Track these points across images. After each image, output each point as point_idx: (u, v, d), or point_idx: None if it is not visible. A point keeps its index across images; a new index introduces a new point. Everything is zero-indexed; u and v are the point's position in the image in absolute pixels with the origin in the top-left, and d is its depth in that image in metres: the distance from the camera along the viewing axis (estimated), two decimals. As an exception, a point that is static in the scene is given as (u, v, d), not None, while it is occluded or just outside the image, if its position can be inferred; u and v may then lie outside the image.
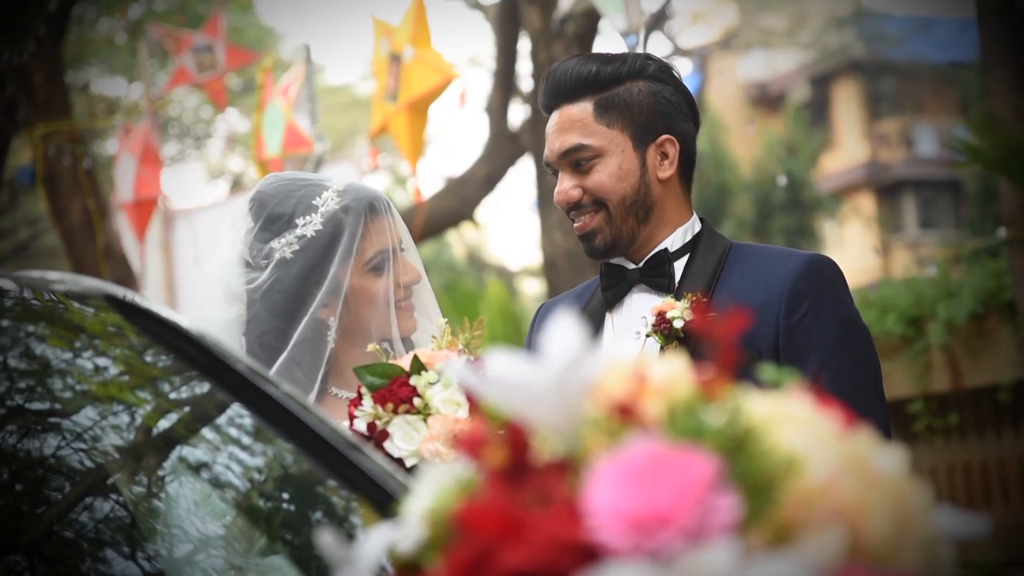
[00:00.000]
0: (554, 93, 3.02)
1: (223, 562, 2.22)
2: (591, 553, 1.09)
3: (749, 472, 1.10)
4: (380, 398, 2.65)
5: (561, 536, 1.09)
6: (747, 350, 2.77)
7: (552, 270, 9.02)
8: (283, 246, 3.07)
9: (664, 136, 2.99)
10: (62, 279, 2.31)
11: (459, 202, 10.71)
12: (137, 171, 11.70)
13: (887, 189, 33.07)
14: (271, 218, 3.11)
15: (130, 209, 11.72)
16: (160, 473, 2.19)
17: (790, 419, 1.17)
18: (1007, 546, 6.80)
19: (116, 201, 11.90)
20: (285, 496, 2.24)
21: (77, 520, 2.08)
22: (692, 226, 3.01)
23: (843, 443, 1.17)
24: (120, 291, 2.33)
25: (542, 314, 3.20)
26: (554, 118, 3.01)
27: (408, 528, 1.28)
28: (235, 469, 2.23)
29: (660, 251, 2.96)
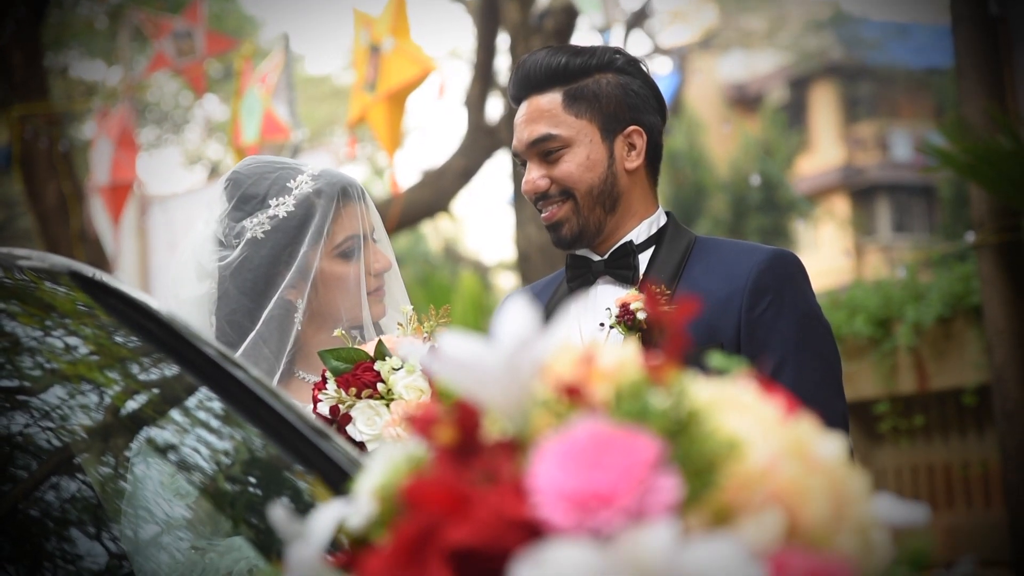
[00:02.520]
0: (523, 84, 3.05)
1: (184, 542, 2.23)
2: (534, 530, 1.11)
3: (691, 454, 1.12)
4: (344, 382, 2.67)
5: (504, 513, 1.11)
6: (709, 343, 2.80)
7: (526, 264, 9.04)
8: (255, 226, 3.10)
9: (632, 127, 3.01)
10: (28, 256, 2.32)
11: (435, 194, 10.72)
12: (113, 155, 11.67)
13: (862, 192, 33.20)
14: (244, 198, 3.13)
15: (105, 193, 11.70)
16: (123, 453, 2.20)
17: (733, 404, 1.20)
18: (970, 546, 6.86)
19: (92, 185, 11.87)
20: (248, 479, 2.26)
21: (41, 499, 2.09)
22: (658, 219, 3.04)
23: (784, 429, 1.19)
24: (87, 269, 2.34)
25: (507, 305, 3.21)
26: (523, 108, 3.04)
27: (359, 504, 1.30)
28: (199, 451, 2.25)
29: (625, 243, 2.99)
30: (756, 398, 1.21)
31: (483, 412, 1.23)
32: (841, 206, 31.53)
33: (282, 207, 3.09)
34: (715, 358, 1.38)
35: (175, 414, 2.30)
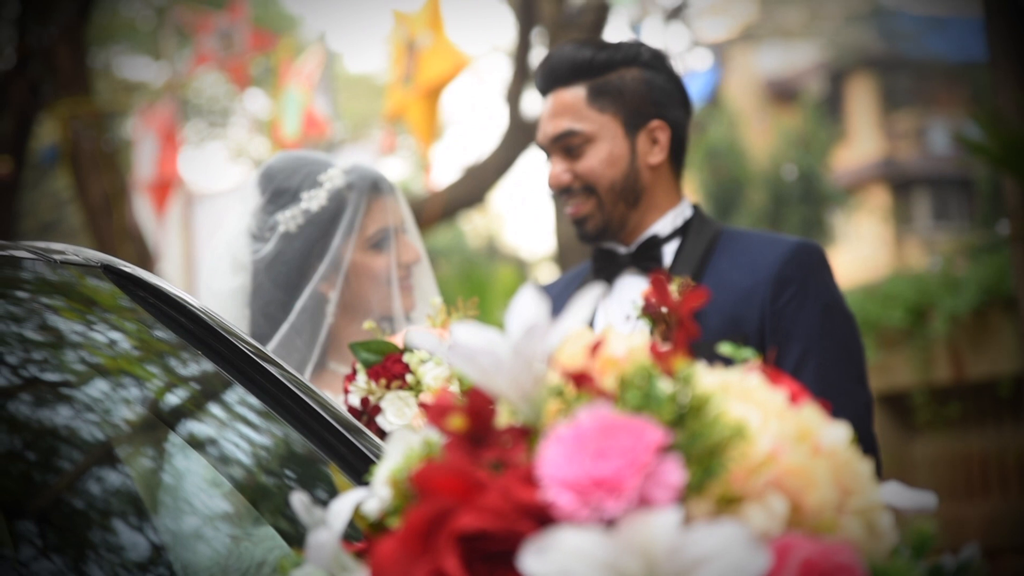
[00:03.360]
0: (549, 77, 3.07)
1: (220, 533, 2.26)
2: (543, 516, 1.13)
3: (696, 441, 1.14)
4: (374, 374, 2.71)
5: (513, 499, 1.14)
6: (733, 333, 2.82)
7: (565, 257, 9.05)
8: (287, 219, 3.14)
9: (655, 122, 3.03)
10: (63, 250, 2.35)
11: (474, 187, 10.75)
12: (157, 152, 11.78)
13: (901, 184, 33.01)
14: (277, 192, 3.17)
15: (149, 190, 11.80)
16: (159, 447, 2.23)
17: (738, 392, 1.22)
18: (1006, 535, 6.84)
19: (136, 182, 11.97)
20: (281, 472, 2.29)
21: (80, 492, 2.13)
22: (683, 211, 3.05)
23: (788, 416, 1.21)
24: (121, 264, 2.37)
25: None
26: (548, 102, 3.06)
27: (375, 491, 1.33)
28: (233, 444, 2.28)
29: (651, 236, 3.00)
30: (762, 386, 1.23)
31: (495, 400, 1.26)
32: (879, 198, 31.37)
33: (314, 201, 3.13)
34: (726, 347, 1.40)
35: (209, 408, 2.32)
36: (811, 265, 2.93)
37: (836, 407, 2.75)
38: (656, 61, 3.08)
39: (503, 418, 1.28)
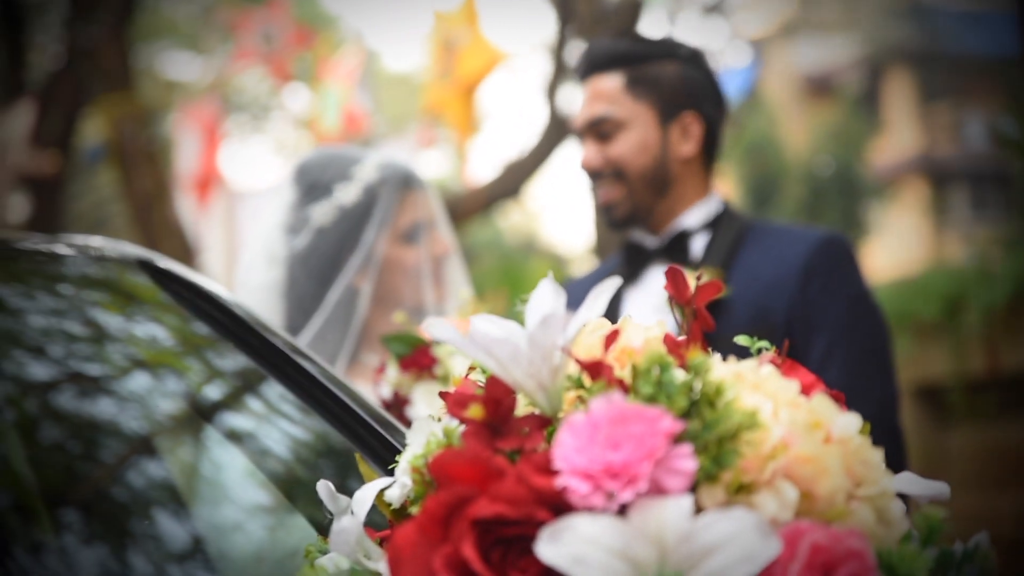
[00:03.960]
0: (588, 64, 3.12)
1: (256, 523, 2.30)
2: (557, 503, 1.16)
3: (708, 430, 1.16)
4: (405, 366, 2.74)
5: (528, 487, 1.16)
6: (761, 325, 2.84)
7: (604, 252, 9.07)
8: (321, 213, 3.19)
9: (688, 114, 3.06)
10: (99, 244, 2.39)
11: (511, 181, 10.78)
12: (199, 148, 11.86)
13: (938, 177, 32.80)
14: (311, 187, 3.22)
15: (192, 186, 11.88)
16: (194, 440, 2.26)
17: (751, 382, 1.24)
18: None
19: (179, 178, 12.06)
20: (315, 464, 2.31)
21: (120, 483, 2.16)
22: (712, 205, 3.07)
23: (800, 405, 1.23)
24: (157, 258, 2.41)
25: (567, 285, 3.27)
26: (585, 88, 3.11)
27: (398, 479, 1.36)
28: (265, 438, 2.31)
29: (680, 231, 3.03)
30: (774, 376, 1.25)
31: (513, 390, 1.28)
32: (917, 192, 31.20)
33: (347, 195, 3.18)
34: (742, 339, 1.42)
35: (242, 402, 2.36)
36: (838, 258, 2.94)
37: (862, 399, 2.77)
38: (693, 57, 3.12)
39: (522, 408, 1.30)
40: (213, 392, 2.36)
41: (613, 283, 1.27)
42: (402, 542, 1.18)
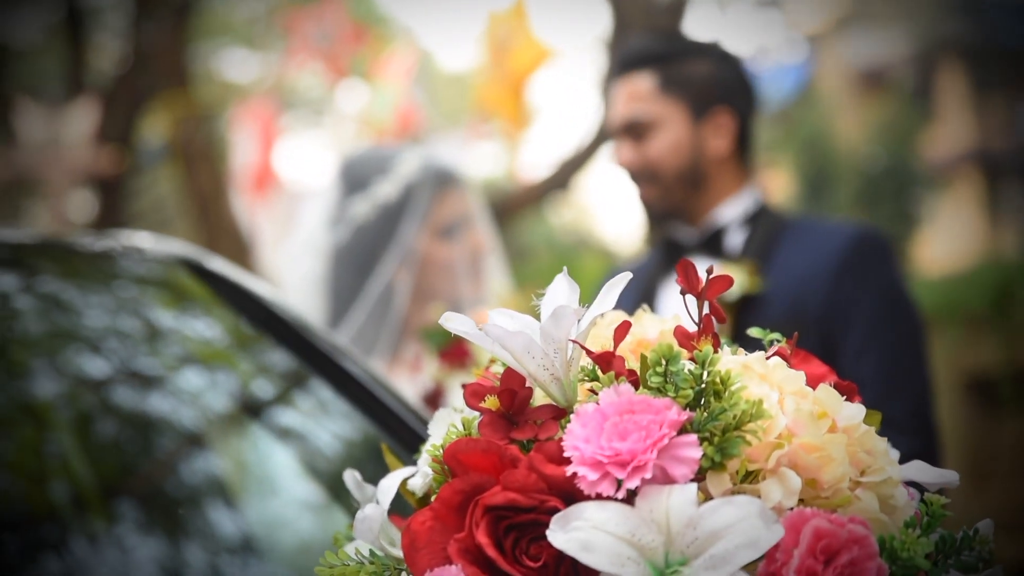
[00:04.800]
0: (622, 63, 3.14)
1: (298, 514, 2.34)
2: (568, 491, 1.19)
3: (714, 419, 1.19)
4: (443, 358, 2.79)
5: (539, 475, 1.20)
6: (796, 319, 2.86)
7: (654, 245, 9.05)
8: (360, 209, 3.24)
9: (721, 111, 3.08)
10: (145, 242, 2.44)
11: (563, 176, 10.80)
12: (255, 146, 11.95)
13: (992, 171, 32.44)
14: (352, 183, 3.28)
15: (247, 184, 11.98)
16: (228, 434, 2.31)
17: (757, 373, 1.27)
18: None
19: (235, 176, 12.16)
20: (353, 456, 2.35)
21: (172, 477, 2.21)
22: (750, 200, 3.09)
23: (806, 395, 1.26)
24: (201, 256, 2.46)
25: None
26: (619, 88, 3.13)
27: (420, 468, 1.40)
28: (303, 433, 2.36)
29: (718, 227, 3.06)
30: (781, 367, 1.28)
31: (527, 381, 1.32)
32: (971, 185, 30.92)
33: (386, 191, 3.23)
34: (755, 331, 1.45)
35: (282, 398, 2.40)
36: (872, 253, 2.95)
37: (896, 393, 2.79)
38: (725, 56, 3.14)
39: (537, 399, 1.34)
40: (252, 388, 2.40)
41: (624, 278, 1.31)
42: (418, 528, 1.22)
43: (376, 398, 2.29)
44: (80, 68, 14.06)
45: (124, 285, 2.35)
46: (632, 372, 1.26)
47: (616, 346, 1.29)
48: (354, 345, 3.18)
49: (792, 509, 1.18)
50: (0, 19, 15.07)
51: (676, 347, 1.25)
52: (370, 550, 1.30)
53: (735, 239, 3.06)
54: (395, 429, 2.23)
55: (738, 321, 2.88)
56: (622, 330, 1.29)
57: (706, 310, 1.37)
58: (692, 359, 1.25)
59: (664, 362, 1.22)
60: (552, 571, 1.18)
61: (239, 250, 10.75)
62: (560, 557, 1.17)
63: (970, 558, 1.18)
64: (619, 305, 2.13)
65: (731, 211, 3.08)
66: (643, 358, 1.24)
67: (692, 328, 1.38)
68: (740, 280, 2.91)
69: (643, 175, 3.09)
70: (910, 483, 1.40)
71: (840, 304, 2.88)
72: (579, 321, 1.29)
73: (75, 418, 2.15)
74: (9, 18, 15.38)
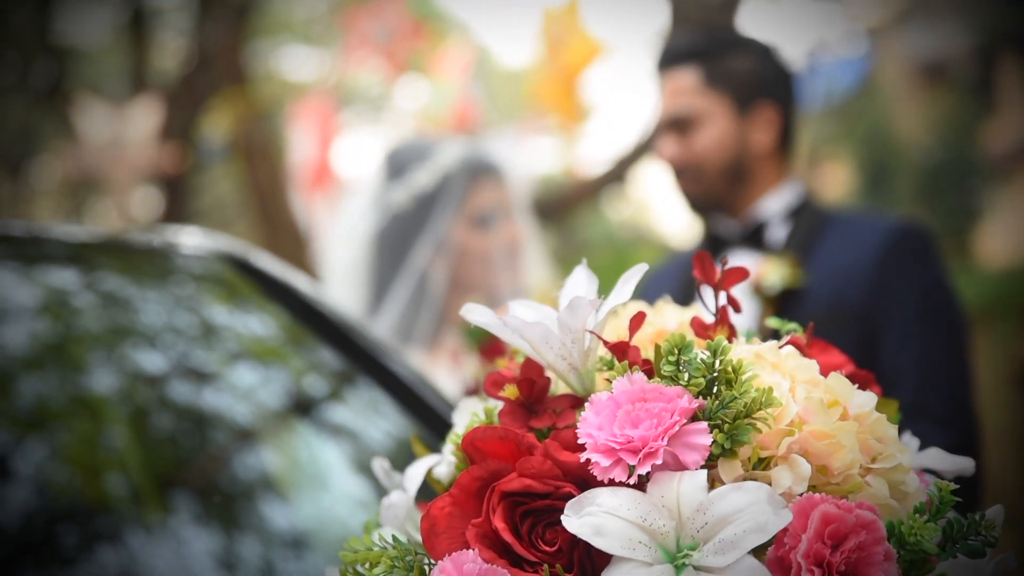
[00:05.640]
0: (665, 58, 3.15)
1: (343, 508, 2.37)
2: (582, 477, 1.22)
3: (725, 407, 1.22)
4: (482, 352, 2.82)
5: (554, 461, 1.23)
6: (836, 312, 2.87)
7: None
8: (397, 198, 3.29)
9: (764, 104, 3.09)
10: (191, 238, 2.49)
11: (619, 170, 10.80)
12: (314, 143, 12.02)
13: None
14: (392, 171, 3.34)
15: (306, 180, 12.05)
16: (270, 429, 2.34)
17: (770, 362, 1.29)
18: None
19: (295, 172, 12.24)
20: (395, 451, 2.38)
21: (226, 471, 2.25)
22: (792, 194, 3.10)
23: (818, 384, 1.28)
24: (248, 253, 2.50)
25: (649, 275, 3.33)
26: (663, 83, 3.14)
27: (445, 456, 1.44)
28: (347, 429, 2.39)
29: (760, 221, 3.06)
30: (794, 356, 1.30)
31: (546, 371, 1.35)
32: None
33: (423, 179, 3.28)
34: (774, 321, 1.47)
35: (322, 394, 2.44)
36: (914, 247, 2.95)
37: (936, 384, 2.79)
38: (766, 50, 3.15)
39: (556, 388, 1.37)
40: (295, 385, 2.43)
41: (640, 269, 1.33)
42: (438, 514, 1.26)
43: (417, 394, 2.32)
44: (143, 67, 14.23)
45: (169, 281, 2.40)
46: (647, 362, 1.29)
47: (632, 336, 1.31)
48: (392, 332, 3.22)
49: (802, 495, 1.20)
50: (68, 20, 15.27)
51: (688, 337, 1.27)
52: (393, 536, 1.33)
53: (778, 233, 3.07)
54: (434, 423, 2.26)
55: (779, 314, 2.89)
56: (637, 321, 1.32)
57: (723, 301, 1.40)
58: (707, 349, 1.27)
59: (677, 351, 1.25)
60: (567, 555, 1.21)
61: (298, 246, 10.84)
62: (575, 542, 1.20)
63: (976, 543, 1.19)
64: (661, 297, 2.16)
65: (773, 205, 3.09)
66: (657, 348, 1.27)
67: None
68: (782, 273, 2.92)
69: (687, 169, 3.10)
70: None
71: (881, 297, 2.89)
72: (597, 312, 1.32)
73: (127, 412, 2.19)
74: (77, 19, 15.60)
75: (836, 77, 20.58)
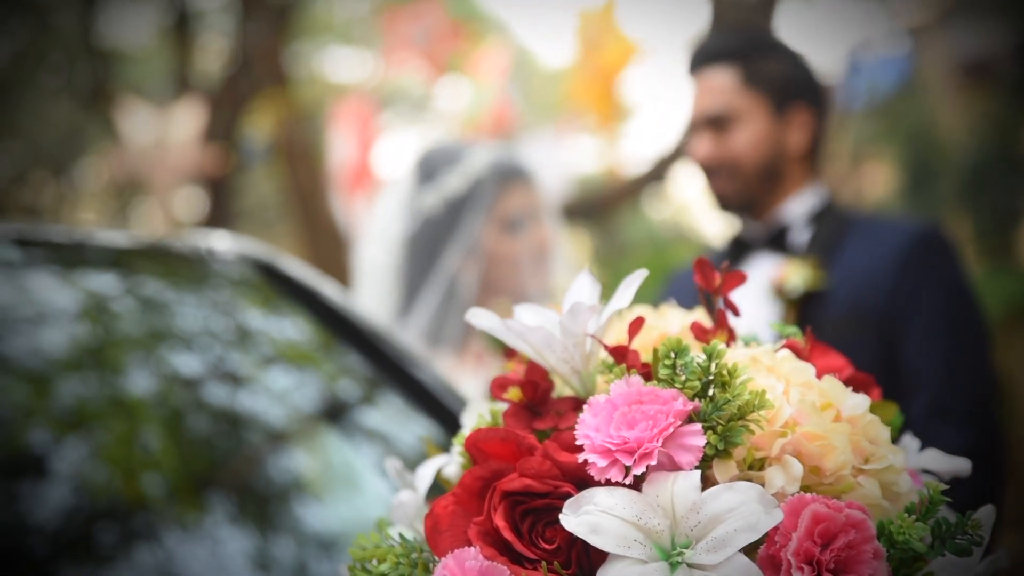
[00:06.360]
0: (701, 57, 3.17)
1: (372, 511, 2.41)
2: (580, 477, 1.26)
3: (717, 409, 1.25)
4: (507, 355, 2.85)
5: (553, 462, 1.27)
6: (856, 315, 2.89)
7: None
8: (428, 202, 3.33)
9: (800, 107, 3.11)
10: (219, 242, 2.53)
11: (658, 171, 10.82)
12: (354, 144, 12.08)
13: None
14: (423, 175, 3.38)
15: (346, 181, 12.11)
16: (297, 434, 2.38)
17: (765, 365, 1.32)
18: None
19: (333, 174, 12.30)
20: (409, 456, 2.41)
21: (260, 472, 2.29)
22: (816, 197, 3.12)
23: (812, 386, 1.31)
24: (275, 259, 2.54)
25: (673, 276, 3.35)
26: (698, 82, 3.16)
27: (453, 457, 1.48)
28: (370, 433, 2.43)
29: (784, 225, 3.08)
30: (789, 359, 1.33)
31: (549, 374, 1.39)
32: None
33: (453, 184, 3.32)
34: (775, 325, 1.50)
35: (350, 398, 2.48)
36: (935, 251, 2.96)
37: (956, 387, 2.81)
38: (798, 54, 3.17)
39: (562, 391, 1.41)
40: (319, 389, 2.47)
41: (640, 275, 1.37)
42: (441, 512, 1.30)
43: (438, 399, 2.36)
44: (186, 69, 14.34)
45: (195, 286, 2.44)
46: (646, 365, 1.33)
47: (631, 340, 1.35)
48: (422, 335, 3.26)
49: (795, 495, 1.23)
50: (112, 22, 15.41)
51: (684, 341, 1.30)
52: (399, 533, 1.37)
53: (800, 236, 3.09)
54: (454, 427, 2.30)
55: (801, 316, 2.92)
56: (636, 325, 1.35)
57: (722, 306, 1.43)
58: (703, 352, 1.30)
59: (673, 355, 1.28)
60: (565, 553, 1.25)
61: (338, 248, 10.91)
62: (573, 540, 1.24)
63: (964, 542, 1.22)
64: (684, 300, 2.19)
65: (798, 207, 3.11)
66: (654, 352, 1.30)
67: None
68: (804, 276, 2.95)
69: (723, 169, 3.11)
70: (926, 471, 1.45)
71: (902, 300, 2.91)
72: (599, 316, 1.36)
73: (158, 414, 2.23)
74: (121, 21, 15.74)
75: (878, 76, 20.48)
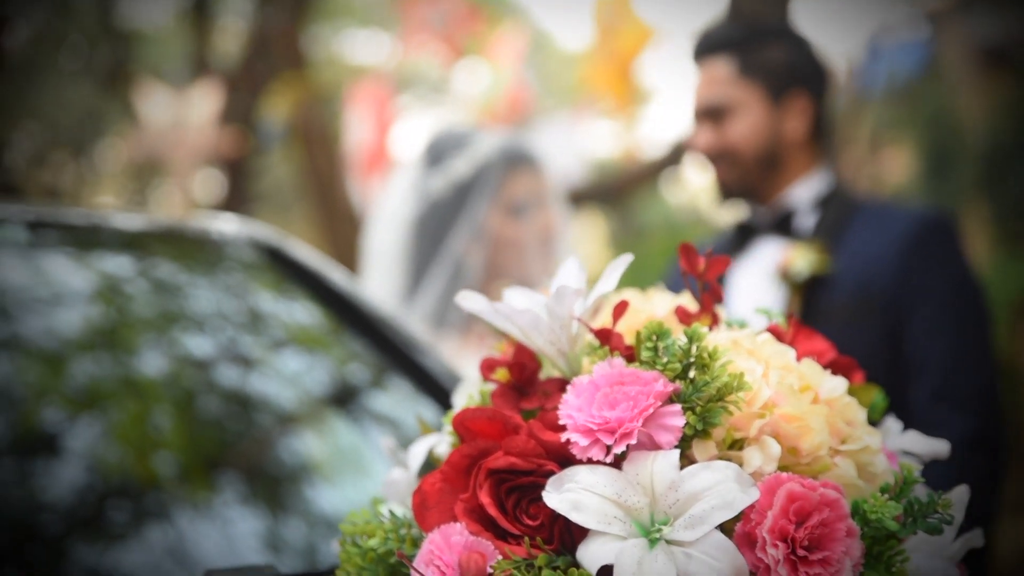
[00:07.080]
0: (701, 47, 3.20)
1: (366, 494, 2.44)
2: (562, 456, 1.30)
3: (697, 391, 1.28)
4: (508, 340, 2.89)
5: (537, 441, 1.30)
6: (862, 301, 2.91)
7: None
8: (435, 186, 3.37)
9: (798, 93, 3.13)
10: (226, 225, 2.57)
11: (676, 154, 10.81)
12: (371, 128, 12.11)
13: None
14: (431, 159, 3.42)
15: (362, 164, 12.15)
16: (307, 415, 2.41)
17: (746, 348, 1.36)
18: None
19: (351, 157, 12.33)
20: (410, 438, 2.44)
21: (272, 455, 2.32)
22: (822, 182, 3.14)
23: (791, 369, 1.34)
24: (280, 242, 2.58)
25: (676, 260, 3.37)
26: (699, 72, 3.19)
27: (444, 436, 1.51)
28: (373, 416, 2.46)
29: (790, 209, 3.11)
30: (770, 342, 1.37)
31: (536, 355, 1.42)
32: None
33: (460, 168, 3.35)
34: (761, 310, 1.54)
35: (354, 382, 2.51)
36: (939, 237, 2.98)
37: (960, 374, 2.83)
38: (799, 39, 3.20)
39: (545, 371, 1.44)
40: (323, 373, 2.50)
41: (626, 259, 1.40)
42: (428, 489, 1.33)
43: (439, 382, 2.39)
44: (205, 51, 14.38)
45: (202, 268, 2.47)
46: (630, 347, 1.36)
47: (615, 323, 1.38)
48: (428, 317, 3.30)
49: (772, 474, 1.27)
50: (131, 4, 15.46)
51: (666, 324, 1.34)
52: (390, 510, 1.41)
53: (806, 221, 3.11)
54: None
55: (806, 301, 2.95)
56: (620, 308, 1.39)
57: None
58: (684, 335, 1.34)
59: (655, 338, 1.32)
60: (548, 529, 1.28)
61: (354, 230, 10.93)
62: (555, 517, 1.27)
63: (935, 521, 1.26)
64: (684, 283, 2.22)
65: (803, 192, 3.14)
66: (637, 334, 1.34)
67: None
68: (809, 260, 2.97)
69: (722, 158, 3.14)
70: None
71: (907, 286, 2.93)
72: (585, 299, 1.39)
73: (170, 395, 2.26)
74: (140, 3, 15.79)
75: (898, 62, 20.40)
